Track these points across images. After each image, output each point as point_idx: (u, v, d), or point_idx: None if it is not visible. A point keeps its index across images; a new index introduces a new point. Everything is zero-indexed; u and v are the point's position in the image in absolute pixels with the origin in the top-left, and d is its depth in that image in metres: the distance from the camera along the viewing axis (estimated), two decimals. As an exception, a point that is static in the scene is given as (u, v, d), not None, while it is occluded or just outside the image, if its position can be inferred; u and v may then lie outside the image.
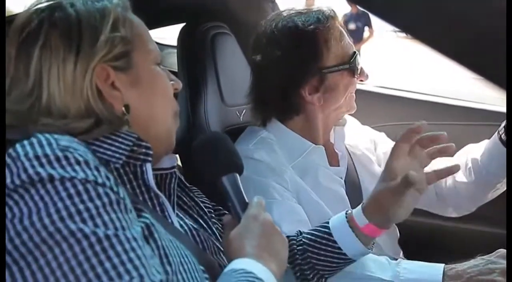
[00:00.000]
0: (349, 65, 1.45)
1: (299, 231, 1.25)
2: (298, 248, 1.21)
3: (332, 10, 1.48)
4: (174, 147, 1.04)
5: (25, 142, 0.79)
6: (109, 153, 0.88)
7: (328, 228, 1.20)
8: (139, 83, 0.94)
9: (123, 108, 0.91)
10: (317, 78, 1.43)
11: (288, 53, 1.41)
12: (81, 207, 0.74)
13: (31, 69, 0.87)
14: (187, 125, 1.65)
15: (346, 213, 1.19)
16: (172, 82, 1.02)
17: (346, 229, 1.17)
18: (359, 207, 1.18)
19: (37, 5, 0.93)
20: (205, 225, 1.07)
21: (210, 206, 1.14)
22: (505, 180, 1.44)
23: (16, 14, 0.97)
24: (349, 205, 1.47)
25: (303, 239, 1.22)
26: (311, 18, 1.44)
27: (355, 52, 1.46)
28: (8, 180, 0.75)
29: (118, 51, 0.90)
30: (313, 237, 1.21)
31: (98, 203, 0.76)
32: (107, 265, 0.71)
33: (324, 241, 1.19)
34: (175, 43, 1.81)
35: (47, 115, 0.87)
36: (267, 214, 0.96)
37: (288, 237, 1.17)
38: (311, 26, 1.42)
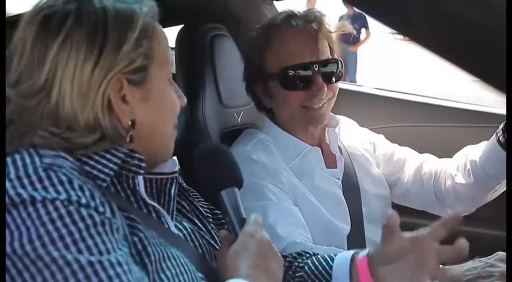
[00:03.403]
0: (279, 77, 1.43)
1: (308, 253, 1.17)
2: (297, 269, 1.12)
3: (289, 16, 1.46)
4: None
5: (8, 160, 0.77)
6: (94, 172, 0.84)
7: (330, 267, 1.08)
8: (149, 99, 0.89)
9: (129, 123, 0.87)
10: (262, 80, 1.48)
11: (247, 44, 1.53)
12: (63, 231, 0.73)
13: (47, 62, 0.82)
14: (185, 127, 1.65)
15: (352, 256, 1.08)
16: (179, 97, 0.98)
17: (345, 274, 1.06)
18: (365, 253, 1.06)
19: None
20: (204, 229, 1.05)
21: (208, 210, 1.13)
22: (504, 181, 1.44)
23: (17, 15, 0.94)
24: (346, 206, 1.47)
25: (307, 265, 1.11)
26: (270, 19, 1.50)
27: (290, 66, 1.41)
28: None
29: (138, 65, 0.86)
30: (315, 269, 1.10)
31: (81, 225, 0.74)
32: None
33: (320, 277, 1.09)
34: (173, 45, 1.81)
35: (54, 122, 0.83)
36: (264, 232, 0.94)
37: (287, 256, 1.13)
38: (262, 27, 1.48)
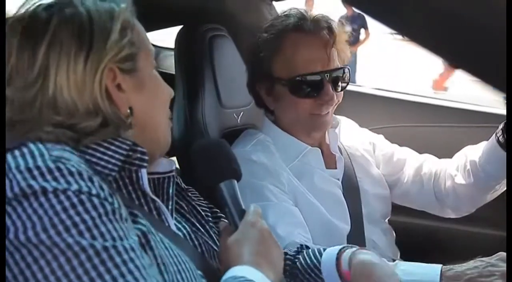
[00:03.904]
0: (289, 84, 1.43)
1: (303, 246, 1.20)
2: (292, 265, 1.15)
3: (301, 20, 1.44)
4: (172, 150, 1.03)
5: (16, 153, 0.78)
6: (102, 163, 0.86)
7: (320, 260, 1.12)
8: (143, 86, 0.93)
9: (128, 111, 0.90)
10: (267, 82, 1.47)
11: (254, 45, 1.48)
12: (77, 219, 0.73)
13: (37, 63, 0.85)
14: (185, 128, 1.65)
15: (338, 251, 1.10)
16: None
17: (332, 268, 1.09)
18: (350, 251, 1.09)
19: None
20: (202, 229, 1.06)
21: (207, 209, 1.14)
22: (503, 181, 1.44)
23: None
24: (346, 207, 1.47)
25: (300, 260, 1.15)
26: (280, 22, 1.47)
27: (301, 74, 1.41)
28: None
29: (126, 54, 0.90)
30: (305, 264, 1.13)
31: (94, 213, 0.75)
32: (107, 277, 0.70)
33: (313, 274, 1.12)
34: (172, 45, 1.81)
35: (54, 110, 0.85)
36: (264, 222, 0.96)
37: (287, 253, 1.15)
38: (272, 30, 1.46)
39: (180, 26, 1.81)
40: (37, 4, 0.90)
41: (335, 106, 1.48)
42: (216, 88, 1.71)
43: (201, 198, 1.14)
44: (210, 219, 1.12)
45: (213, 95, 1.71)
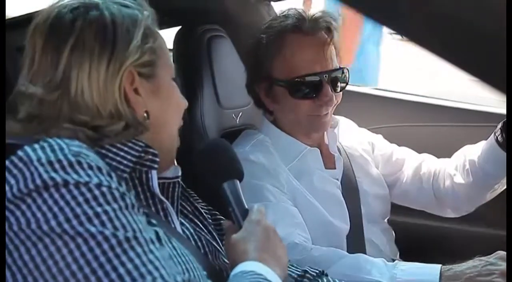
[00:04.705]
0: (288, 85, 1.43)
1: (317, 271, 1.16)
2: None
3: (299, 21, 1.43)
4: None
5: (36, 146, 0.79)
6: (114, 164, 0.88)
7: None
8: (159, 93, 0.95)
9: (144, 114, 0.92)
10: (266, 83, 1.47)
11: (253, 46, 1.48)
12: (99, 209, 0.74)
13: (60, 63, 0.87)
14: (184, 129, 1.65)
15: None
16: None
17: None
18: None
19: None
20: (205, 230, 1.07)
21: (207, 211, 1.15)
22: (502, 181, 1.44)
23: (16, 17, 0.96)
24: (346, 207, 1.47)
25: None
26: (279, 23, 1.46)
27: (300, 75, 1.41)
28: (21, 185, 0.75)
29: (146, 59, 0.92)
30: None
31: (115, 205, 0.76)
32: (129, 266, 0.71)
33: None
34: (170, 46, 1.81)
35: (75, 110, 0.86)
36: (268, 221, 0.97)
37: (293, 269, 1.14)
38: (270, 31, 1.45)
39: (178, 27, 1.81)
40: (60, 5, 0.91)
41: (334, 107, 1.47)
42: (215, 89, 1.71)
43: (200, 200, 1.15)
44: (211, 220, 1.13)
45: (211, 96, 1.71)
